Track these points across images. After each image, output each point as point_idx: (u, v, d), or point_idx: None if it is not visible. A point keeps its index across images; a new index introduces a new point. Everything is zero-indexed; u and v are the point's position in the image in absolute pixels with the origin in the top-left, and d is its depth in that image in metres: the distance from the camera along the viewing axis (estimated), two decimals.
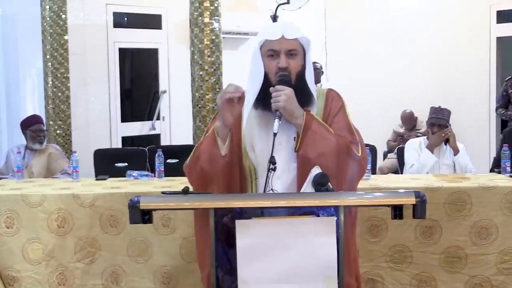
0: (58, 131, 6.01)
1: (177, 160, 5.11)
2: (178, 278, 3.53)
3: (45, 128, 5.00)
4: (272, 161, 2.04)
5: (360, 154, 2.18)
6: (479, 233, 3.52)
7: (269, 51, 2.19)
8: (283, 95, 2.11)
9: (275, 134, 2.07)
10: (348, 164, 2.16)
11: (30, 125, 4.93)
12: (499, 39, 7.37)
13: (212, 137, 2.18)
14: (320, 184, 1.96)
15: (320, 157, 2.10)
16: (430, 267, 3.55)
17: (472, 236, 3.52)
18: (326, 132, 2.17)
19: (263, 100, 2.17)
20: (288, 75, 2.18)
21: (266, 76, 2.19)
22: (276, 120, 2.09)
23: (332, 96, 2.30)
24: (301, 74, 2.21)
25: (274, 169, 2.05)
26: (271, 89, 2.15)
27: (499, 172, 4.06)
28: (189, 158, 2.27)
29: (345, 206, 1.87)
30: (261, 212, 1.85)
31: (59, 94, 6.01)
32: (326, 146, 2.13)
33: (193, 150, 2.28)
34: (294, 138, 2.18)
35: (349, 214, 2.08)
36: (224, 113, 2.14)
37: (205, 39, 5.30)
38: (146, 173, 4.19)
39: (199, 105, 5.34)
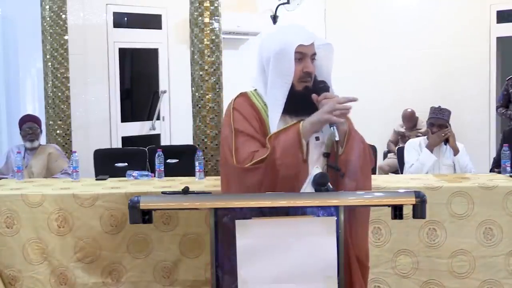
0: (58, 131, 6.00)
1: (177, 160, 5.12)
2: (178, 272, 3.54)
3: (38, 127, 4.93)
4: (336, 167, 2.09)
5: None
6: (484, 233, 3.50)
7: (297, 54, 2.18)
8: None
9: (337, 142, 2.10)
10: (369, 161, 2.32)
11: (21, 124, 4.93)
12: (499, 39, 7.36)
13: (298, 141, 2.13)
14: (320, 184, 1.97)
15: (357, 159, 2.20)
16: (438, 274, 3.50)
17: (478, 237, 3.49)
18: (357, 134, 2.26)
19: (288, 104, 2.18)
20: (326, 82, 2.22)
21: None
22: (334, 127, 2.11)
23: None
24: (315, 76, 2.27)
25: (342, 176, 2.11)
26: (318, 97, 2.16)
27: (499, 172, 4.05)
28: (251, 159, 2.12)
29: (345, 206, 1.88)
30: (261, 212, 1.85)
31: (59, 94, 6.00)
32: (360, 148, 2.23)
33: (250, 150, 2.14)
34: (316, 138, 2.21)
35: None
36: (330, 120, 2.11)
37: (205, 39, 5.29)
38: (146, 173, 4.19)
39: (199, 105, 5.34)
